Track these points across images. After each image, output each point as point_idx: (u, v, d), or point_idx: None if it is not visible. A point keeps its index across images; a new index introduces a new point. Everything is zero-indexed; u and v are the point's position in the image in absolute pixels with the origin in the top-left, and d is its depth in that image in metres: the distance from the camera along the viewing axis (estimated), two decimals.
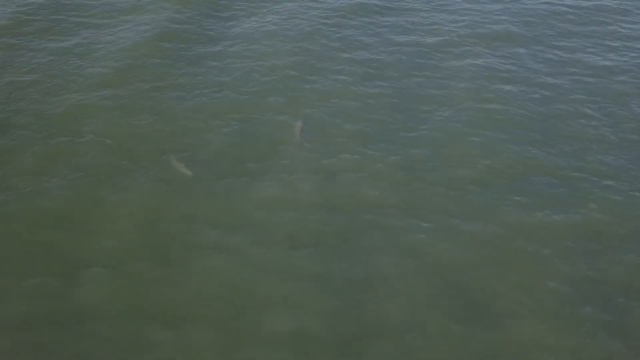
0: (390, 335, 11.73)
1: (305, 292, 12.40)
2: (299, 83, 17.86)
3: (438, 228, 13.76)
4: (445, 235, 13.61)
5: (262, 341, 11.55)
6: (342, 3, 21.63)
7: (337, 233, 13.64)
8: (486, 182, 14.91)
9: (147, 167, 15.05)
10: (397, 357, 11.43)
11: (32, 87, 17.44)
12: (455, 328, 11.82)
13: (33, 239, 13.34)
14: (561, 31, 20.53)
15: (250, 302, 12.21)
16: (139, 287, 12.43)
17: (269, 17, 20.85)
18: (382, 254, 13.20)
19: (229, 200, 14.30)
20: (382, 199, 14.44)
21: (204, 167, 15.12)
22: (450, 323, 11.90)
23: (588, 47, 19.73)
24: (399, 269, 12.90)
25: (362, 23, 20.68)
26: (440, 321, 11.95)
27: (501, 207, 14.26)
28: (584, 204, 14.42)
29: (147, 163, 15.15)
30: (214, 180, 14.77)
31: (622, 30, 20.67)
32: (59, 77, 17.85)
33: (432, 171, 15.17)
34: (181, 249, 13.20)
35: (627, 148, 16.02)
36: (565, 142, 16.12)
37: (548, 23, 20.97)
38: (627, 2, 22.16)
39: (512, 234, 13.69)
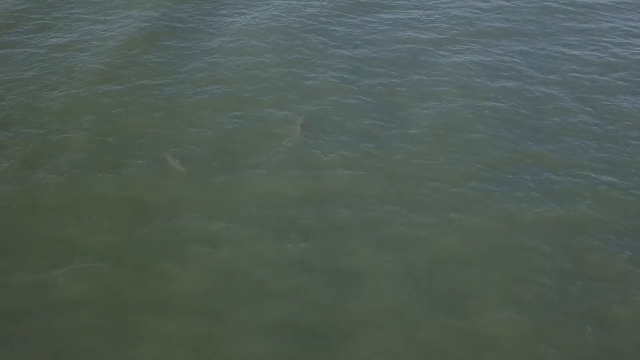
0: (388, 330, 11.72)
1: (301, 286, 12.39)
2: (298, 80, 17.88)
3: (436, 223, 13.76)
4: (443, 231, 13.61)
5: (258, 333, 11.54)
6: (340, 1, 21.66)
7: (334, 229, 13.63)
8: (484, 178, 14.90)
9: (145, 163, 15.05)
10: (395, 351, 11.42)
11: (31, 84, 17.45)
12: (452, 321, 11.81)
13: (30, 233, 13.33)
14: (559, 28, 20.60)
15: (245, 295, 12.20)
16: (136, 280, 12.42)
17: (268, 14, 20.89)
18: (380, 249, 13.20)
19: (227, 195, 14.29)
20: (380, 195, 14.44)
21: (203, 163, 15.11)
22: (448, 316, 11.90)
23: (586, 44, 19.78)
24: (397, 263, 12.89)
25: (360, 21, 20.73)
26: (436, 315, 11.94)
27: (499, 203, 14.25)
28: (582, 200, 14.42)
29: (145, 159, 15.15)
30: (213, 176, 14.76)
31: (620, 27, 20.71)
32: (58, 73, 17.88)
33: (430, 167, 15.17)
34: (178, 243, 13.19)
35: (626, 145, 16.04)
36: (563, 138, 16.14)
37: (546, 20, 21.05)
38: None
39: (510, 230, 13.69)
